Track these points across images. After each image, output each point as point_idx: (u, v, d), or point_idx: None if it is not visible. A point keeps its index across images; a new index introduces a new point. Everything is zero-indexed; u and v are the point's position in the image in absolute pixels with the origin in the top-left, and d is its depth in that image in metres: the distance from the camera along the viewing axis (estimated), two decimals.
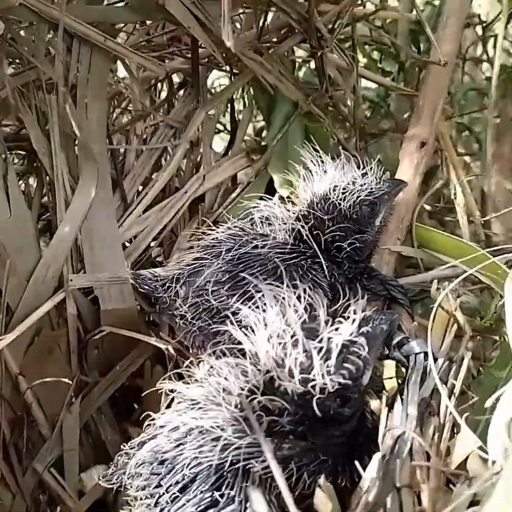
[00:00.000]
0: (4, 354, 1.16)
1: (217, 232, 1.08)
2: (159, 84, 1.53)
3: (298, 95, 1.28)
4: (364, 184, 1.05)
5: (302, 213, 1.07)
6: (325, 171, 1.07)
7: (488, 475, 0.74)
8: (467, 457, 0.78)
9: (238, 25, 1.46)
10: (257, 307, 0.87)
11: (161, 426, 0.86)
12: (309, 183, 1.08)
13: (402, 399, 0.85)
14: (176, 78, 1.48)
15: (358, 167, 1.08)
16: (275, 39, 1.34)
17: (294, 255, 1.02)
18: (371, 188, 1.06)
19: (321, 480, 0.76)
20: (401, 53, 1.55)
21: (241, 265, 1.01)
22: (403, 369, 0.92)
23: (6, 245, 1.16)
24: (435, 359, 0.87)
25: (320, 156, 1.08)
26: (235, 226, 1.09)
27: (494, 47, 1.68)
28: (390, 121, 1.61)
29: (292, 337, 0.78)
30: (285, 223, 1.07)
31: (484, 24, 1.66)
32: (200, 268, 1.04)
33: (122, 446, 0.91)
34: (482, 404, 0.83)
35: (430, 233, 1.13)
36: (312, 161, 1.08)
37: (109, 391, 1.24)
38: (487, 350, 1.02)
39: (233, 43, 0.99)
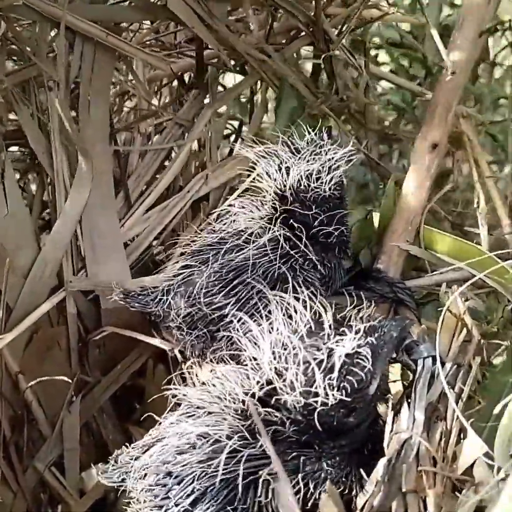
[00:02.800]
0: (3, 352, 1.16)
1: (202, 238, 1.06)
2: (170, 84, 1.52)
3: (307, 96, 1.28)
4: (337, 156, 1.00)
5: (280, 211, 1.02)
6: (289, 160, 1.01)
7: (494, 481, 0.73)
8: (473, 463, 0.78)
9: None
10: (259, 313, 0.87)
11: (165, 432, 0.85)
12: (275, 178, 1.02)
13: (408, 403, 0.84)
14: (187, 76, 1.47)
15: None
16: (283, 41, 1.33)
17: (284, 259, 0.99)
18: (343, 158, 1.01)
19: (327, 484, 0.75)
20: (428, 58, 1.53)
21: (231, 273, 0.99)
22: (410, 373, 0.92)
23: (3, 242, 1.15)
24: (443, 364, 0.87)
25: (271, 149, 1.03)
26: (219, 230, 1.06)
27: None
28: (415, 126, 1.60)
29: (294, 348, 0.77)
30: (265, 225, 1.03)
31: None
32: (189, 277, 1.02)
33: (123, 447, 0.90)
34: (488, 409, 0.82)
35: (439, 235, 1.12)
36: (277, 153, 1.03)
37: (110, 390, 1.24)
38: (493, 354, 1.01)
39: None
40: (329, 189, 1.00)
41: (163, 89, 1.53)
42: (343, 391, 0.75)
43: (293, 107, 1.26)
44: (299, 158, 1.01)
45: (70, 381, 1.18)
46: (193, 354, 1.04)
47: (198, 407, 0.84)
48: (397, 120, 1.64)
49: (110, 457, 0.91)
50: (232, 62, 1.29)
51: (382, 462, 0.77)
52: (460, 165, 1.26)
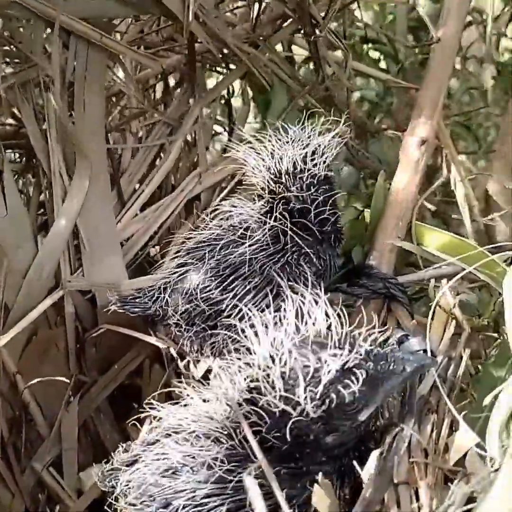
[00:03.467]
0: (1, 353, 1.16)
1: (198, 235, 1.06)
2: (156, 83, 1.53)
3: (294, 87, 1.28)
4: (328, 139, 1.01)
5: (278, 198, 1.02)
6: (283, 144, 1.02)
7: (486, 472, 0.74)
8: (465, 454, 0.78)
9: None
10: (256, 307, 0.86)
11: (148, 451, 0.84)
12: (268, 166, 1.02)
13: (400, 396, 0.85)
14: (172, 78, 1.48)
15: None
16: (270, 32, 1.34)
17: (280, 255, 1.00)
18: (334, 141, 1.02)
19: (319, 477, 0.75)
20: (399, 52, 1.55)
21: (227, 269, 0.99)
22: None
23: (2, 243, 1.16)
24: (434, 357, 0.87)
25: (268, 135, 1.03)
26: (215, 227, 1.06)
27: (497, 47, 1.68)
28: (390, 120, 1.61)
29: (289, 350, 0.74)
30: (260, 219, 1.03)
31: (486, 22, 1.65)
32: (186, 274, 1.02)
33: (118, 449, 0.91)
34: (481, 401, 0.82)
35: (430, 231, 1.12)
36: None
37: (108, 390, 1.24)
38: (486, 348, 1.02)
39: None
40: (323, 169, 1.01)
41: (150, 88, 1.54)
42: (323, 408, 0.73)
43: (282, 100, 1.27)
44: (290, 144, 1.01)
45: (68, 381, 1.18)
46: (191, 350, 1.05)
47: (177, 428, 0.83)
48: (372, 115, 1.65)
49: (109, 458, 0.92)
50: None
51: (374, 454, 0.78)
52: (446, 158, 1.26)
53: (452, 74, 1.27)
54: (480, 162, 1.79)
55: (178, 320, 1.02)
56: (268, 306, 0.94)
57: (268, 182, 1.02)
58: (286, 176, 1.00)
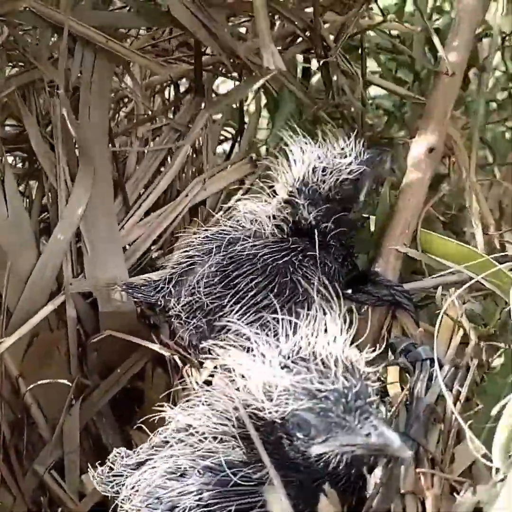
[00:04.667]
0: (4, 356, 1.16)
1: (207, 230, 1.08)
2: (166, 89, 1.53)
3: (303, 101, 1.29)
4: (344, 162, 1.03)
5: (282, 202, 1.05)
6: (303, 152, 1.04)
7: (492, 483, 0.74)
8: (471, 464, 0.78)
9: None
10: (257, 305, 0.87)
11: (156, 452, 0.84)
12: (289, 167, 1.05)
13: (407, 406, 0.85)
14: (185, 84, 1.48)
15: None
16: (280, 47, 1.34)
17: (284, 253, 1.01)
18: (352, 165, 1.03)
19: (325, 486, 0.75)
20: (416, 62, 1.54)
21: (232, 265, 1.00)
22: (408, 375, 0.92)
23: (3, 246, 1.16)
24: (441, 366, 0.87)
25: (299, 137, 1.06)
26: (224, 224, 1.08)
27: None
28: (405, 130, 1.60)
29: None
30: (269, 219, 1.05)
31: (504, 35, 1.64)
32: (191, 267, 1.03)
33: (117, 453, 0.91)
34: (486, 411, 0.82)
35: (436, 238, 1.12)
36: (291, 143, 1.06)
37: (110, 394, 1.24)
38: (491, 357, 1.01)
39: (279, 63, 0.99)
40: (333, 189, 1.03)
41: (159, 94, 1.54)
42: (276, 415, 0.73)
43: (290, 112, 1.27)
44: (339, 148, 1.04)
45: (69, 384, 1.18)
46: (190, 345, 1.05)
47: (187, 429, 0.83)
48: (388, 125, 1.65)
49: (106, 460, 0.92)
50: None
51: (381, 464, 0.77)
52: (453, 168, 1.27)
53: (462, 83, 1.28)
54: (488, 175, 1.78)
55: (179, 311, 1.02)
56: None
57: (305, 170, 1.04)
58: (318, 171, 1.03)
